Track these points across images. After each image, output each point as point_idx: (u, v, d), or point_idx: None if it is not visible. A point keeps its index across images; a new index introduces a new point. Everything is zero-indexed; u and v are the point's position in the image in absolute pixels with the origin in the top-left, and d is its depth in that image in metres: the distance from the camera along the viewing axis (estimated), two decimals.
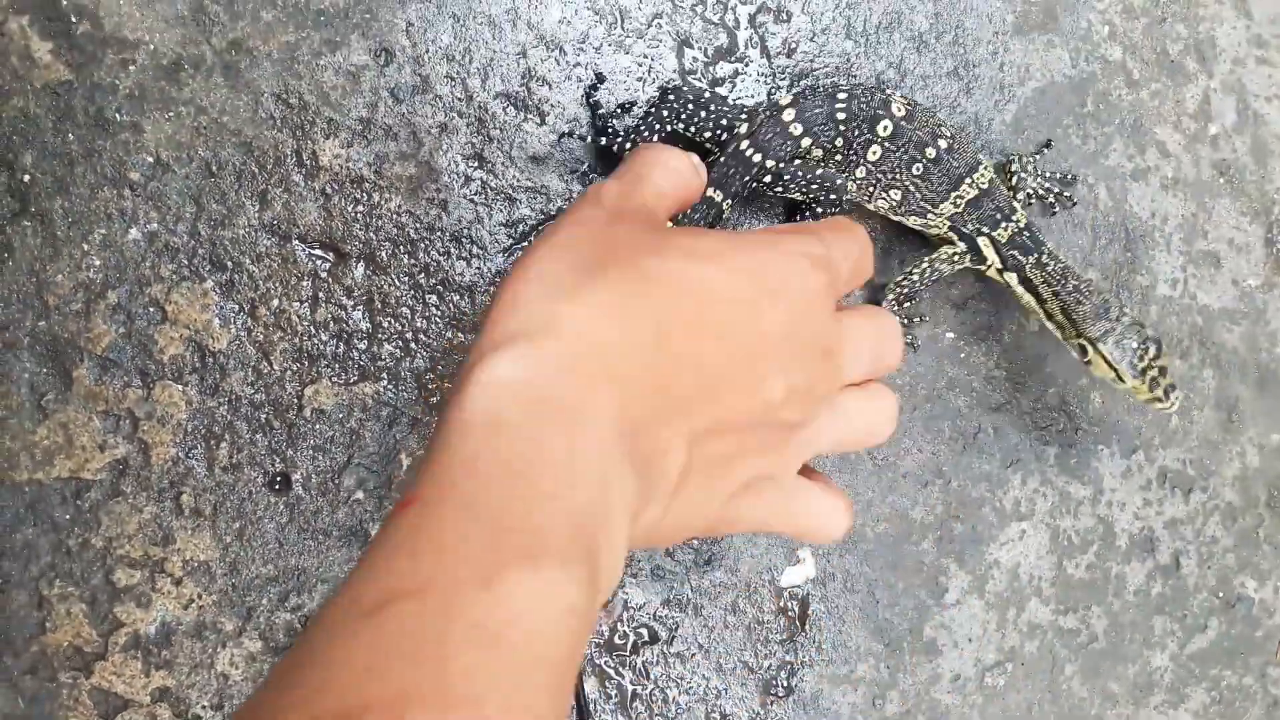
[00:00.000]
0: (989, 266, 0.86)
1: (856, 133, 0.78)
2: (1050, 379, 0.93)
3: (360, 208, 0.76)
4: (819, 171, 0.79)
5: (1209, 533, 0.98)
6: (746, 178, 0.77)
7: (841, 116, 0.78)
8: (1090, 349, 0.83)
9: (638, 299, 0.39)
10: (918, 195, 0.82)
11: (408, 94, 0.77)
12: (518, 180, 0.80)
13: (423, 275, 0.78)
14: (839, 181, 0.80)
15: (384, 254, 0.77)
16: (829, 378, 0.45)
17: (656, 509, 0.40)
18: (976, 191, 0.82)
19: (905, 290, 0.85)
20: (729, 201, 0.78)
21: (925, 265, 0.85)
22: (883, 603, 0.89)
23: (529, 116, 0.80)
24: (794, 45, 0.86)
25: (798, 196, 0.81)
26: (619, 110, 0.80)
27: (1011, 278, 0.86)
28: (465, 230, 0.79)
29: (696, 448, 0.40)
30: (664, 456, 0.39)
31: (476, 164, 0.79)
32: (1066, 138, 0.93)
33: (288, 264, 0.75)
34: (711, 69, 0.84)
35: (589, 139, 0.79)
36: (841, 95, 0.78)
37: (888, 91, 0.80)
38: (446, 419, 0.36)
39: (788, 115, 0.77)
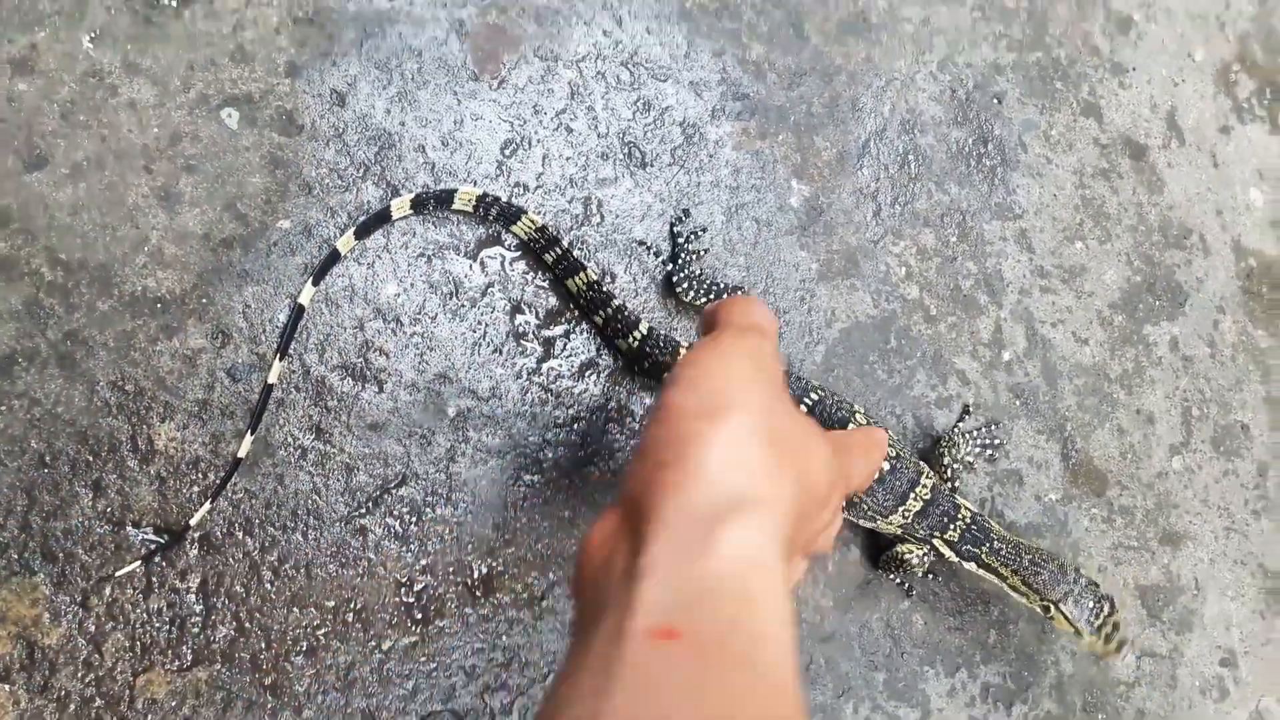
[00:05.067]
0: (950, 562, 1.11)
1: None
2: (874, 604, 1.12)
3: (195, 489, 0.88)
4: None
5: None
6: None
7: (807, 405, 1.04)
8: (1051, 609, 1.08)
9: (798, 479, 0.57)
10: (865, 507, 1.05)
11: (245, 373, 0.91)
12: (356, 449, 0.94)
13: (258, 552, 0.90)
14: None
15: (219, 533, 0.89)
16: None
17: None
18: (921, 504, 1.06)
19: (896, 578, 1.12)
20: None
21: (900, 564, 1.10)
22: None
23: (367, 386, 0.95)
24: (622, 302, 1.04)
25: None
26: (693, 235, 1.08)
27: (970, 566, 1.11)
28: (303, 503, 0.92)
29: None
30: None
31: (314, 435, 0.93)
32: (873, 373, 1.15)
33: (121, 551, 0.86)
34: (542, 330, 1.01)
35: (666, 264, 1.07)
36: (816, 394, 1.05)
37: (855, 406, 1.06)
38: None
39: None
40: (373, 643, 0.94)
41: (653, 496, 0.52)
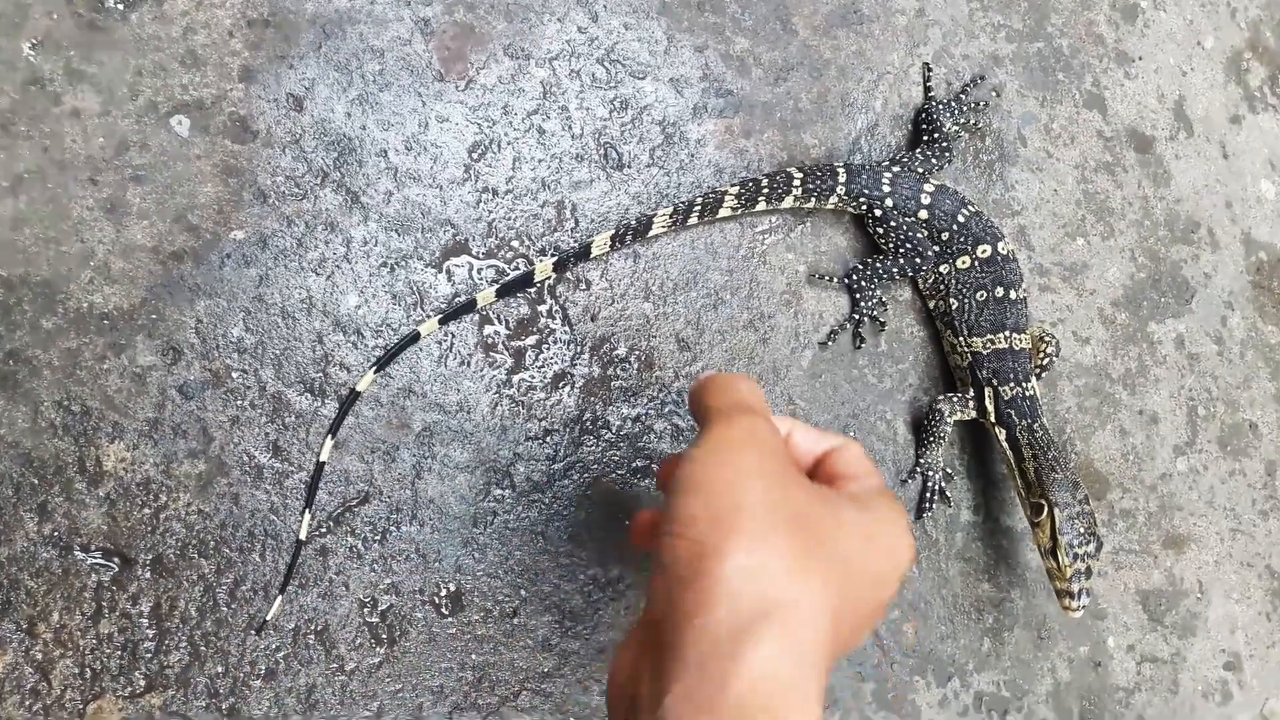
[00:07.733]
0: (986, 418, 1.04)
1: (961, 238, 1.02)
2: None
3: (147, 510, 0.81)
4: (919, 235, 1.02)
5: None
6: (871, 194, 1.00)
7: (961, 219, 1.02)
8: (1045, 510, 0.99)
9: (831, 565, 0.53)
10: (966, 315, 1.04)
11: (197, 390, 0.83)
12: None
13: (213, 574, 0.82)
14: (927, 252, 1.02)
15: (172, 555, 0.81)
16: None
17: None
18: (1007, 346, 1.03)
19: (928, 444, 1.05)
20: (844, 188, 1.00)
21: (935, 413, 1.04)
22: None
23: (326, 402, 0.86)
24: (596, 311, 0.95)
25: (884, 243, 1.03)
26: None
27: (1001, 433, 1.04)
28: (259, 523, 0.83)
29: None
30: None
31: (271, 454, 0.84)
32: (863, 377, 1.04)
33: (69, 576, 0.79)
34: (515, 340, 0.92)
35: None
36: (970, 208, 1.03)
37: (1003, 233, 1.03)
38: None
39: (928, 188, 1.01)
40: (335, 664, 0.85)
41: (673, 622, 0.50)
